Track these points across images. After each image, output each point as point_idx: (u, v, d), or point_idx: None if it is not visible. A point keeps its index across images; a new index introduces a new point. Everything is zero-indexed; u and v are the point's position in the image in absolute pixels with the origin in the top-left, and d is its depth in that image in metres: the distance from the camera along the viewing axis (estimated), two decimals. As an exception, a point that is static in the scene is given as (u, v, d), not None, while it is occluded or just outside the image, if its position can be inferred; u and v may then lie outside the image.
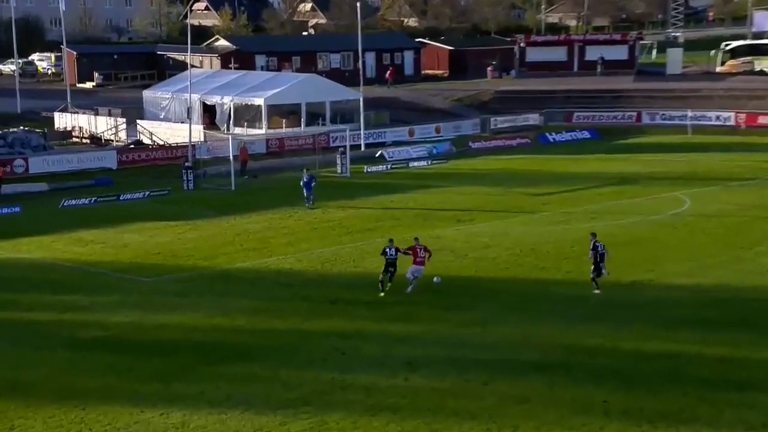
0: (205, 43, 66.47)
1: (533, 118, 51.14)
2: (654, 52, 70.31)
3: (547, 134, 47.97)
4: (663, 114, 50.25)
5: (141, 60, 66.22)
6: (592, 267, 20.79)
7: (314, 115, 45.72)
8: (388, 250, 21.16)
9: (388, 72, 60.68)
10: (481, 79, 64.12)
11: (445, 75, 71.09)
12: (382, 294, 20.75)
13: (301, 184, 30.79)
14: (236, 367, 16.98)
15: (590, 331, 18.58)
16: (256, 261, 23.75)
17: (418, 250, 20.98)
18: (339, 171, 37.29)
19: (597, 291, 20.68)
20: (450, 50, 71.90)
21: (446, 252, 24.38)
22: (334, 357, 17.38)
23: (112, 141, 44.30)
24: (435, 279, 20.99)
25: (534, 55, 64.19)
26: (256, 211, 30.27)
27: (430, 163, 40.57)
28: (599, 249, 20.83)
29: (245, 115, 45.20)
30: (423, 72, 70.80)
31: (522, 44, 64.21)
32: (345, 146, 38.35)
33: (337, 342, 18.06)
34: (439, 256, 23.75)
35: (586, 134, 48.27)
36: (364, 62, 60.68)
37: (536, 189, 33.62)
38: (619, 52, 63.24)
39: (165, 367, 17.01)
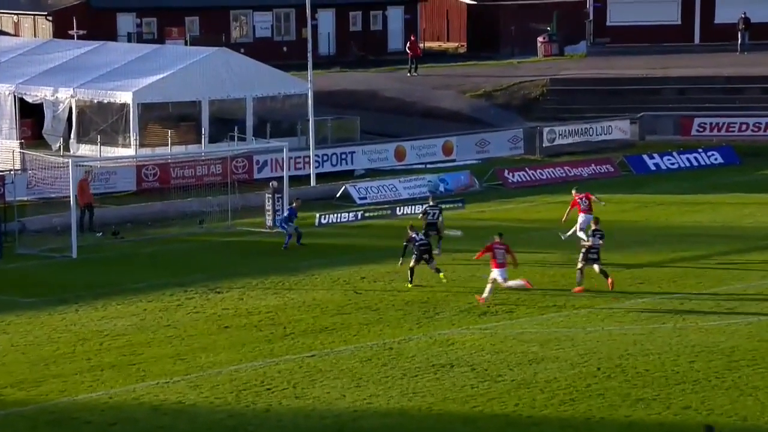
0: (27, -8, 67.34)
1: (620, 128, 52.08)
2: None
3: (645, 156, 48.85)
4: None
5: None
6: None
7: (225, 123, 46.31)
8: (415, 235, 30.88)
9: (409, 43, 61.27)
10: (526, 58, 65.34)
11: (461, 50, 72.45)
12: (410, 285, 30.71)
13: (283, 215, 34.93)
14: None
15: None
16: (115, 389, 23.83)
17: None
18: (269, 223, 37.70)
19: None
20: (470, 6, 73.34)
21: (463, 368, 24.64)
22: None
23: None
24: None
25: (621, 14, 65.59)
26: (117, 296, 30.46)
27: (434, 208, 41.11)
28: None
29: (99, 122, 45.66)
30: (422, 45, 72.05)
31: (600, -4, 65.64)
32: (281, 178, 38.80)
33: None
34: (451, 376, 23.98)
35: (716, 156, 49.23)
36: (315, 27, 61.75)
37: (625, 256, 34.05)
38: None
39: None
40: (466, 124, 52.77)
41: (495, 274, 29.13)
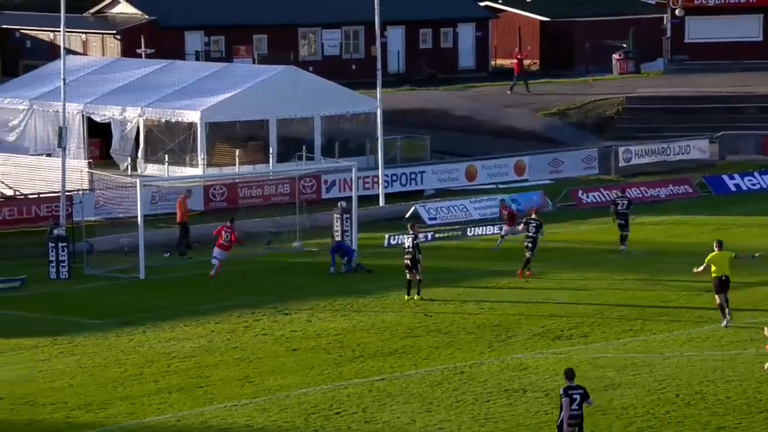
0: (94, 10, 68.34)
1: (699, 148, 51.68)
2: None
3: (725, 177, 48.42)
4: None
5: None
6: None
7: (293, 142, 46.62)
8: (408, 239, 32.22)
9: (516, 59, 61.24)
10: (602, 76, 65.06)
11: (534, 67, 72.31)
12: (407, 297, 31.88)
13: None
14: None
15: None
16: (183, 412, 24.05)
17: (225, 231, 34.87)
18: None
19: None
20: (543, 23, 73.22)
21: (537, 394, 24.58)
22: None
23: None
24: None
25: (700, 30, 65.11)
26: (185, 317, 30.77)
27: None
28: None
29: (166, 141, 46.16)
30: (494, 62, 71.97)
31: (678, 11, 65.27)
32: (349, 198, 39.01)
33: None
34: (524, 401, 23.92)
35: (800, 178, 48.67)
36: (384, 44, 61.93)
37: (706, 278, 33.84)
38: None
39: None
40: (539, 143, 52.66)
41: (215, 252, 34.51)
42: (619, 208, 37.32)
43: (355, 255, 35.77)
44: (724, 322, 28.75)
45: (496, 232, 40.65)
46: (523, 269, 34.04)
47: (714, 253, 28.98)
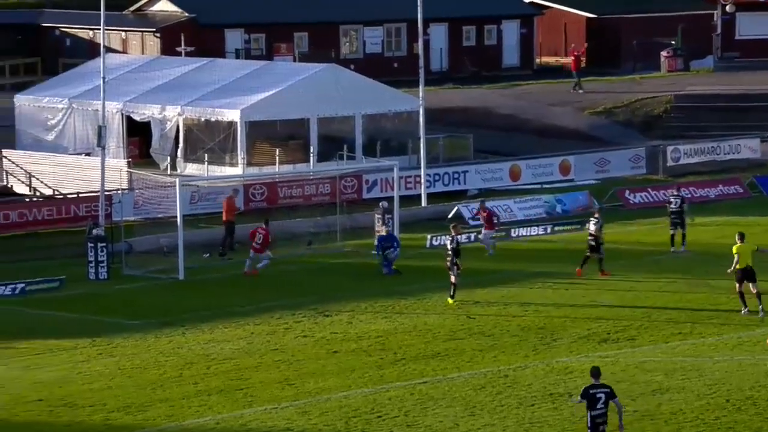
0: (133, 8, 68.74)
1: (750, 147, 51.32)
2: None
3: (777, 177, 48.12)
4: None
5: (11, 38, 68.44)
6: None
7: (334, 141, 46.65)
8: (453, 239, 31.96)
9: (573, 56, 61.05)
10: (649, 74, 64.74)
11: (581, 65, 72.09)
12: (451, 301, 31.53)
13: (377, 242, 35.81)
14: None
15: None
16: (222, 414, 24.08)
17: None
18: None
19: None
20: (589, 19, 72.94)
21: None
22: None
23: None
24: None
25: (751, 27, 64.70)
26: (224, 319, 30.83)
27: (550, 230, 40.93)
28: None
29: (206, 140, 46.30)
30: (538, 60, 71.68)
31: (729, 8, 64.82)
32: (391, 198, 38.93)
33: None
34: (569, 405, 23.78)
35: None
36: (427, 42, 61.89)
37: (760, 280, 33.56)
38: None
39: None
40: (585, 142, 52.44)
41: (252, 255, 34.97)
42: (672, 206, 37.20)
43: (397, 249, 35.54)
44: (744, 310, 29.67)
45: (540, 233, 40.53)
46: (602, 269, 34.17)
47: (738, 244, 29.94)
